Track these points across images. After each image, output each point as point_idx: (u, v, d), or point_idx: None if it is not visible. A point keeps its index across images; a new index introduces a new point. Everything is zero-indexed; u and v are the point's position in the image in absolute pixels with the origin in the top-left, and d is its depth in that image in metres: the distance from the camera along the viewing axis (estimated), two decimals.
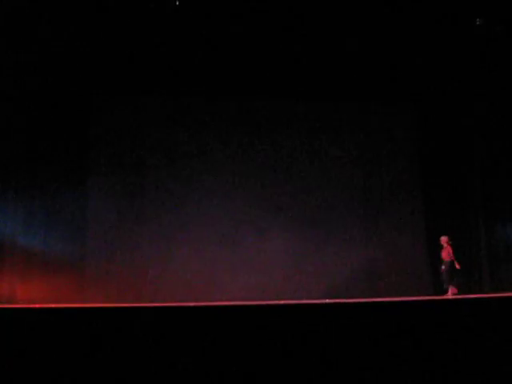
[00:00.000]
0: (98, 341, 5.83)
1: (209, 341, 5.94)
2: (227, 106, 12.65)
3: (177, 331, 6.02)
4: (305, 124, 12.82)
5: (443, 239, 11.49)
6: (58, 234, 11.15)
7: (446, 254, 11.38)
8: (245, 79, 11.75)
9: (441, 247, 11.46)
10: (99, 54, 10.97)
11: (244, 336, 6.04)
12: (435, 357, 6.03)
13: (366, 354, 5.98)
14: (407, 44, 11.14)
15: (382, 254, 12.36)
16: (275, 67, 11.51)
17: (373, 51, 11.32)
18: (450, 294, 11.08)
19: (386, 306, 7.20)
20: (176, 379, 5.69)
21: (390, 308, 6.99)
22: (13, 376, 5.57)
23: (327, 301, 10.04)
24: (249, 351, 5.92)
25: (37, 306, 8.11)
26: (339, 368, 5.90)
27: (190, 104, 12.53)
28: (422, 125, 12.94)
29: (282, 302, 7.65)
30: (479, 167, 12.54)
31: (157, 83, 11.75)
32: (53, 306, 7.91)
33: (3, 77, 10.20)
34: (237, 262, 11.96)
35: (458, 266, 11.21)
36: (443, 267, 11.33)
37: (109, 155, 12.15)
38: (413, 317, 6.49)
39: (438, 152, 12.69)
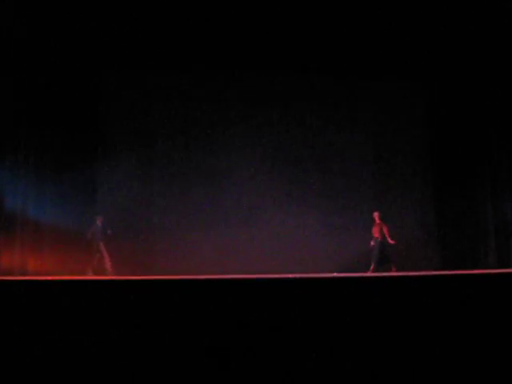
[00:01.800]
0: (106, 313, 5.91)
1: (219, 314, 6.00)
2: (241, 80, 12.58)
3: (185, 304, 6.08)
4: (318, 99, 12.76)
5: (375, 214, 11.38)
6: (68, 207, 11.23)
7: (377, 230, 11.28)
8: (259, 52, 11.59)
9: (373, 223, 11.37)
10: (109, 29, 10.88)
11: (254, 308, 6.10)
12: (435, 333, 6.08)
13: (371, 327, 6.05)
14: (422, 20, 10.90)
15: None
16: (290, 40, 11.29)
17: (387, 27, 11.08)
18: (372, 270, 11.02)
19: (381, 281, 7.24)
20: (185, 354, 5.76)
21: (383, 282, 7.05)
22: (24, 347, 5.67)
23: (335, 275, 10.16)
24: (260, 323, 5.98)
25: (48, 278, 8.22)
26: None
27: (202, 78, 12.49)
28: (434, 102, 12.86)
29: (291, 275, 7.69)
30: (489, 144, 12.42)
31: (167, 57, 11.66)
32: (63, 278, 8.01)
33: (16, 53, 10.18)
34: (249, 237, 12.05)
35: (391, 241, 11.08)
36: (372, 243, 11.28)
37: (120, 129, 12.25)
38: (415, 291, 6.52)
39: (448, 129, 12.63)
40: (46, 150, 11.05)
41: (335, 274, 10.46)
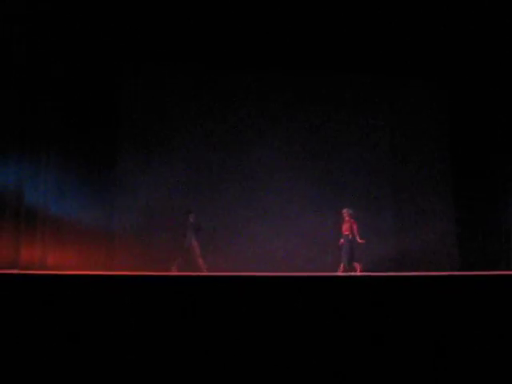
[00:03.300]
0: (124, 309, 5.95)
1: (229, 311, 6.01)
2: (256, 79, 12.65)
3: (203, 301, 6.10)
4: (335, 96, 12.77)
5: (344, 212, 11.20)
6: (88, 202, 11.30)
7: (347, 227, 11.10)
8: (272, 51, 11.67)
9: (342, 220, 11.20)
10: (128, 23, 10.94)
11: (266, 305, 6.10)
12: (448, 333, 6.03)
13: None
14: (440, 16, 10.80)
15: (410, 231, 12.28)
16: (303, 38, 11.34)
17: (405, 23, 11.02)
18: (342, 270, 10.88)
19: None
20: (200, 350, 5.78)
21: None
22: (42, 341, 5.72)
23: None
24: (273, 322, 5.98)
25: (67, 272, 8.29)
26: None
27: (221, 74, 12.60)
28: (453, 99, 12.74)
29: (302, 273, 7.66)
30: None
31: (185, 52, 11.78)
32: (83, 272, 8.08)
33: (33, 45, 10.26)
34: (261, 228, 12.04)
35: (360, 241, 10.92)
36: (342, 240, 11.12)
37: (138, 123, 12.35)
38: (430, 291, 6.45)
39: (467, 126, 12.53)
40: (68, 144, 11.12)
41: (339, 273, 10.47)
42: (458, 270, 11.57)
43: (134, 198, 11.95)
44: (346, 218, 11.18)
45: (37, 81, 10.38)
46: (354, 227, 11.08)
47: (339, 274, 10.56)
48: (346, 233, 11.09)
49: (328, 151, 12.73)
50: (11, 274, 7.33)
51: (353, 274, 10.52)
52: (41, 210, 10.34)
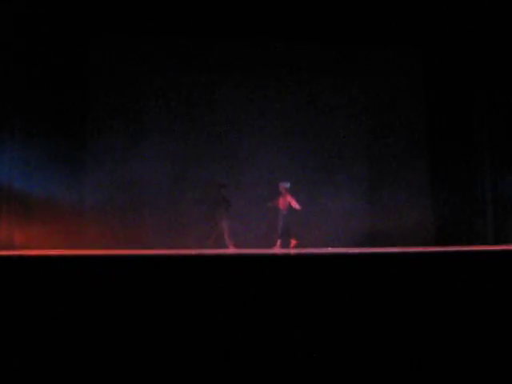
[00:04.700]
0: (93, 290, 5.74)
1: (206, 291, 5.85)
2: (230, 48, 12.28)
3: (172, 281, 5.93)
4: (309, 67, 12.44)
5: (281, 186, 11.06)
6: (56, 178, 11.01)
7: (283, 202, 10.99)
8: (251, 19, 11.31)
9: (279, 195, 11.08)
10: None
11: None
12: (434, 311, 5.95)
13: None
14: None
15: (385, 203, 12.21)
16: (281, 7, 11.01)
17: None
18: (279, 245, 10.88)
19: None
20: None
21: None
22: (11, 325, 5.52)
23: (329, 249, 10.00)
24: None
25: (34, 252, 8.04)
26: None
27: (192, 45, 12.19)
28: (429, 69, 12.54)
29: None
30: (487, 115, 12.10)
31: (154, 23, 11.35)
32: (49, 252, 7.84)
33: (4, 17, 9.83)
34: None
35: (298, 207, 10.85)
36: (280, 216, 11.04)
37: (107, 97, 11.97)
38: (414, 269, 6.37)
39: (444, 98, 12.30)
40: (33, 118, 10.75)
41: (329, 249, 10.33)
42: (433, 245, 11.56)
43: (104, 174, 11.64)
44: (283, 192, 11.00)
45: (3, 55, 9.94)
46: (292, 200, 10.91)
47: (275, 250, 10.48)
48: (282, 208, 10.95)
49: (309, 121, 12.45)
50: None
51: (287, 249, 10.49)
52: (6, 186, 9.97)
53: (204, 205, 11.78)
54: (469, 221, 11.61)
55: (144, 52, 12.09)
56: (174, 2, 10.91)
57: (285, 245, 10.98)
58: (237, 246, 10.96)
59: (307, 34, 11.73)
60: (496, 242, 11.34)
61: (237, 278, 5.86)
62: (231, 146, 12.18)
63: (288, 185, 11.03)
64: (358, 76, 12.56)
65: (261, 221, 11.57)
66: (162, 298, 5.76)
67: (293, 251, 9.82)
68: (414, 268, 6.43)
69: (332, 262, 6.60)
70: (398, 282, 6.20)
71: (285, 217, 10.91)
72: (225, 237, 11.12)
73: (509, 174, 11.49)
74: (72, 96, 11.45)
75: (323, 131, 12.43)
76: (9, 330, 5.50)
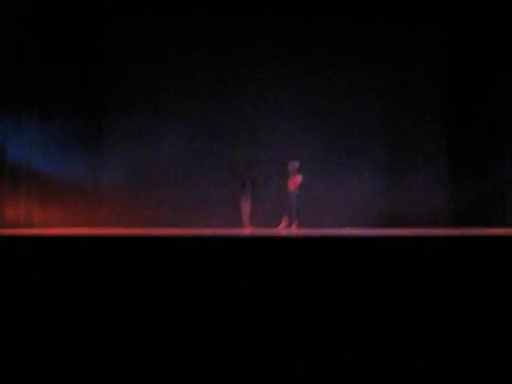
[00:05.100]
0: (111, 268, 5.79)
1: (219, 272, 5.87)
2: (251, 29, 12.30)
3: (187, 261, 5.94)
4: (332, 50, 12.41)
5: (291, 165, 10.89)
6: (75, 158, 11.09)
7: (293, 183, 10.84)
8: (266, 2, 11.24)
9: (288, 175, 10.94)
10: None
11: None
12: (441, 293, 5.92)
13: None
14: None
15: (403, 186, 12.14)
16: None
17: None
18: (283, 226, 10.79)
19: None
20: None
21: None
22: (26, 302, 5.59)
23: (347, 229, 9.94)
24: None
25: (53, 231, 8.11)
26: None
27: (214, 25, 12.21)
28: (449, 52, 12.37)
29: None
30: (508, 99, 11.85)
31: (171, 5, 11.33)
32: (67, 232, 7.90)
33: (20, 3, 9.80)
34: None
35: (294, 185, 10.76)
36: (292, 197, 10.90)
37: (126, 76, 12.06)
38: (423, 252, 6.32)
39: (464, 82, 12.12)
40: (52, 98, 10.77)
41: (347, 229, 10.27)
42: (452, 228, 11.44)
43: (123, 153, 11.70)
44: (294, 174, 10.89)
45: (21, 33, 9.92)
46: (298, 181, 10.81)
47: (292, 231, 10.44)
48: (292, 188, 10.84)
49: (325, 103, 12.43)
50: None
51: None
52: (25, 166, 10.04)
53: (221, 185, 11.81)
54: (488, 204, 11.44)
55: (164, 30, 12.08)
56: None
57: (291, 225, 10.92)
58: (254, 226, 10.95)
59: (330, 16, 11.70)
60: None
61: (249, 259, 5.87)
62: (251, 126, 12.16)
63: (298, 164, 10.93)
64: (379, 61, 12.49)
65: (278, 200, 11.58)
66: (177, 277, 5.80)
67: (299, 232, 9.82)
68: (432, 251, 6.39)
69: (350, 244, 6.59)
70: (415, 266, 6.16)
71: (297, 197, 10.84)
72: (244, 217, 11.14)
73: None
74: (91, 76, 11.48)
75: (342, 114, 12.40)
76: (28, 308, 5.59)
